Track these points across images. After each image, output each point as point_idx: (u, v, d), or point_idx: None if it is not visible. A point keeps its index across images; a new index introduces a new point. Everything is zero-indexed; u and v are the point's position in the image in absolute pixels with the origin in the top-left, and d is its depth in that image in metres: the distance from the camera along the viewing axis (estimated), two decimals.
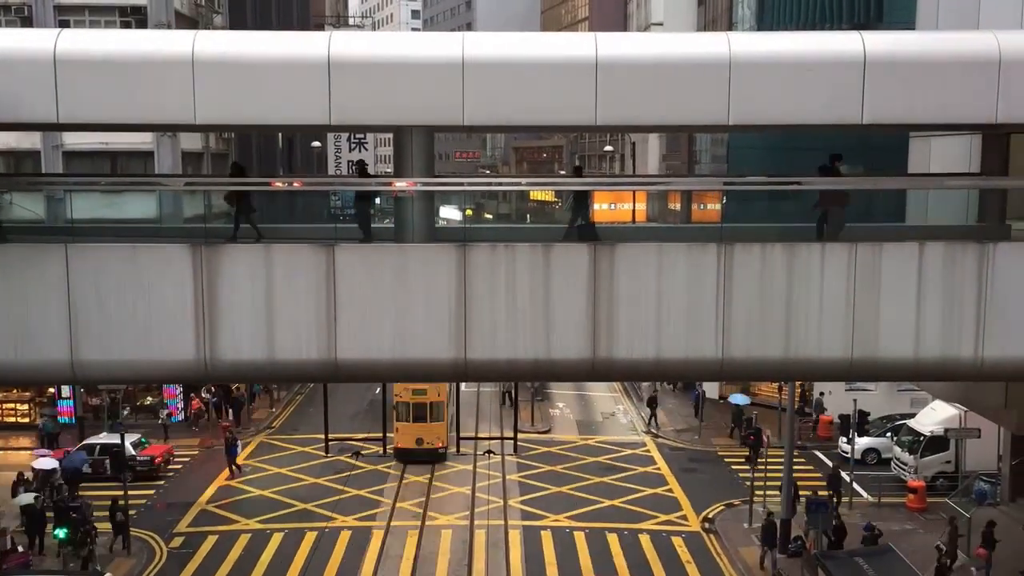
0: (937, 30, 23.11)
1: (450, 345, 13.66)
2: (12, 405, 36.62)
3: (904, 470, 30.45)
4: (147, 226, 15.96)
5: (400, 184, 14.12)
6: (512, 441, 33.76)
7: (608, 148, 67.36)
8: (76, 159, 33.58)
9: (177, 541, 26.61)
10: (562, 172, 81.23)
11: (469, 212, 19.06)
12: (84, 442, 31.82)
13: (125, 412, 33.55)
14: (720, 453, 34.78)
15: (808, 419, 36.71)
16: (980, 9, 22.18)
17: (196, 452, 34.62)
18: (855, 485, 29.44)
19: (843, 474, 29.24)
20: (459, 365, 13.83)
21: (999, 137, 15.11)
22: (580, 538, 26.94)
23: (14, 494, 26.74)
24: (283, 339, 13.57)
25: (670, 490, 30.98)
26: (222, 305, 13.48)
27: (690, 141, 51.31)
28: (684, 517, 28.68)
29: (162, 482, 31.17)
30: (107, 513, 25.51)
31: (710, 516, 28.71)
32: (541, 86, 13.40)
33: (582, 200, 15.15)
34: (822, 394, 36.90)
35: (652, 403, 38.51)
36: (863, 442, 31.60)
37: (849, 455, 29.94)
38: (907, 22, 29.55)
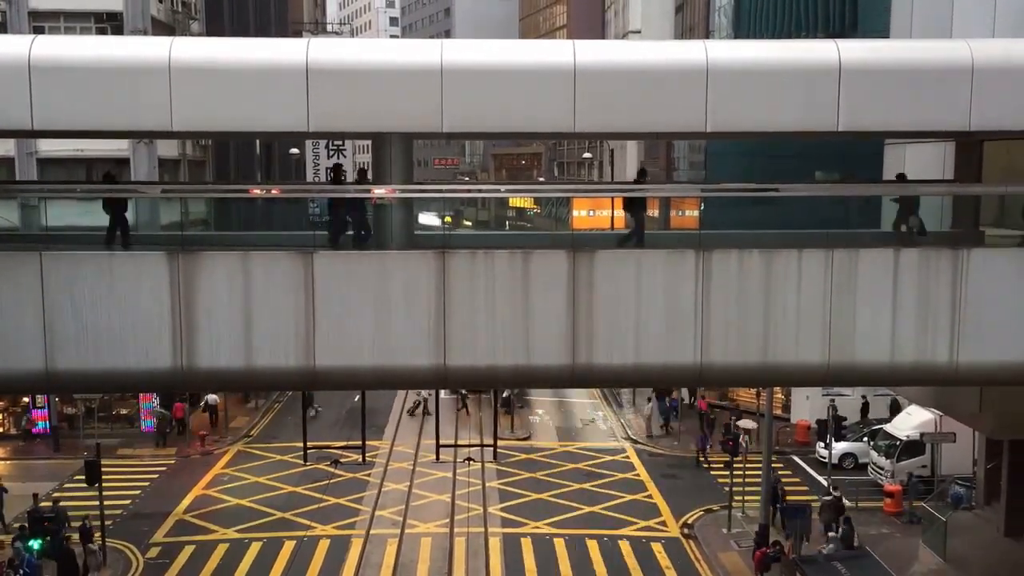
0: (911, 38, 23.37)
1: (430, 352, 13.65)
2: None
3: (881, 474, 30.68)
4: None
5: (379, 191, 14.10)
6: (492, 448, 33.68)
7: (587, 155, 67.58)
8: (51, 166, 33.27)
9: (153, 551, 26.35)
10: (540, 179, 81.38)
11: (448, 219, 19.05)
12: None
13: None
14: (699, 459, 34.88)
15: (786, 424, 36.91)
16: (953, 18, 22.45)
17: (173, 461, 34.34)
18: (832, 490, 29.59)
19: (821, 479, 29.45)
20: (439, 372, 13.81)
21: (972, 144, 15.31)
22: (560, 545, 26.94)
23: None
24: (261, 347, 13.51)
25: (649, 496, 31.03)
26: (199, 313, 13.40)
27: (668, 148, 51.57)
28: (663, 523, 28.74)
29: (138, 491, 30.89)
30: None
31: (689, 522, 28.79)
32: (520, 93, 13.45)
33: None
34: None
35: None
36: (840, 447, 31.83)
37: (827, 460, 30.15)
38: (881, 30, 29.85)
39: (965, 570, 24.06)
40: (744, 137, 15.93)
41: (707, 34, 48.54)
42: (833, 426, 29.58)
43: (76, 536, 24.89)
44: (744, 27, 44.01)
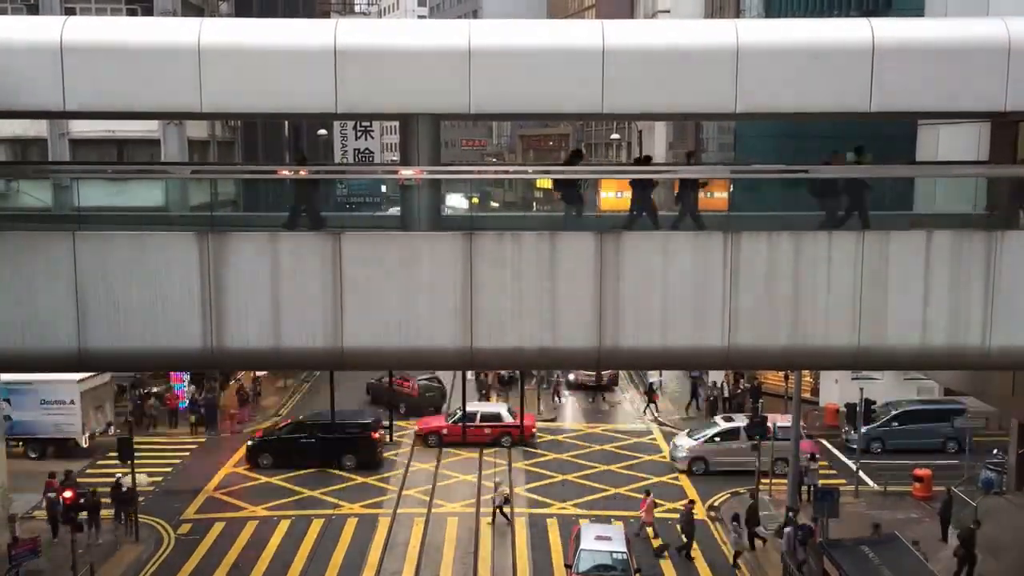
0: (946, 17, 22.97)
1: (457, 333, 13.69)
2: None
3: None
4: (154, 214, 15.98)
5: (407, 172, 14.11)
6: (518, 429, 33.84)
7: (615, 136, 67.24)
8: (82, 147, 33.60)
9: (185, 527, 26.75)
10: None
11: (475, 200, 19.03)
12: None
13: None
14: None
15: (815, 407, 36.70)
16: None
17: (204, 439, 34.76)
18: (861, 474, 29.43)
19: (849, 463, 29.26)
20: (465, 353, 13.85)
21: (1008, 125, 15.04)
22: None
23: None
24: (289, 327, 13.61)
25: (676, 478, 31.01)
26: (228, 293, 13.52)
27: (697, 129, 51.16)
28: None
29: (169, 469, 31.33)
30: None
31: (716, 504, 28.74)
32: (548, 74, 13.38)
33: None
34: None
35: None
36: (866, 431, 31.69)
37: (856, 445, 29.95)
38: (916, 9, 29.37)
39: (995, 555, 23.84)
40: (775, 118, 15.80)
41: (737, 13, 47.99)
42: (862, 410, 29.31)
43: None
44: (775, 6, 43.47)
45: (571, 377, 41.57)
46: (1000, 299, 13.69)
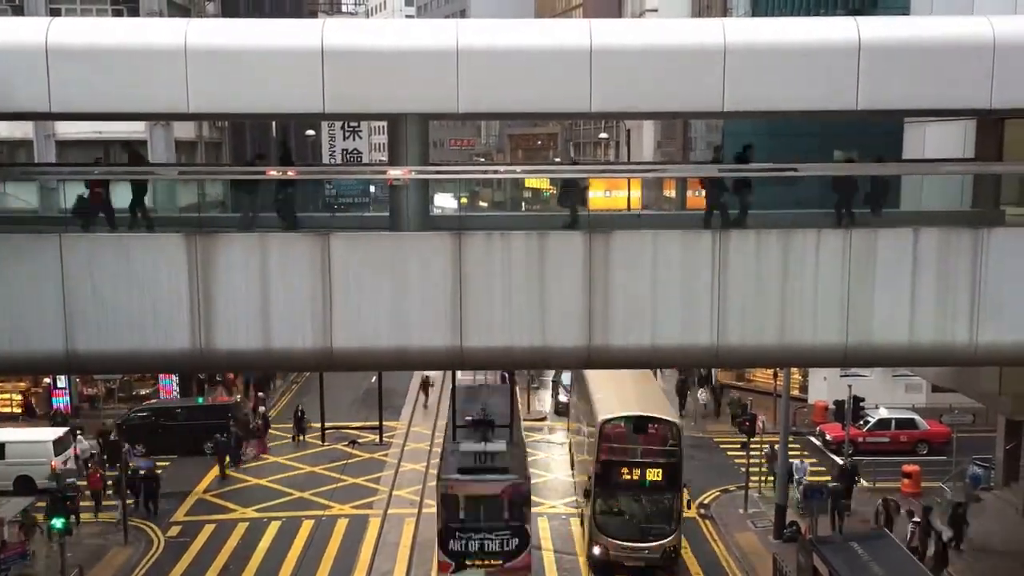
0: (931, 15, 23.07)
1: (446, 333, 13.69)
2: (7, 395, 36.53)
3: None
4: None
5: (395, 172, 14.10)
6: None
7: (603, 135, 67.29)
8: (69, 148, 33.43)
9: (174, 530, 26.65)
10: (557, 159, 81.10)
11: (464, 200, 19.03)
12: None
13: None
14: (715, 440, 34.88)
15: (803, 404, 36.85)
16: None
17: None
18: None
19: (838, 460, 29.35)
20: (455, 353, 13.85)
21: (994, 122, 15.14)
22: (576, 524, 27.02)
23: None
24: (278, 328, 13.59)
25: None
26: (217, 294, 13.48)
27: (685, 128, 51.24)
28: None
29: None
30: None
31: (706, 502, 28.80)
32: (536, 74, 13.40)
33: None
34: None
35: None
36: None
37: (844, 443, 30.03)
38: (902, 8, 29.52)
39: (984, 551, 24.00)
40: (762, 117, 15.81)
41: (724, 12, 48.08)
42: (851, 407, 29.41)
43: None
44: (762, 5, 43.56)
45: (562, 399, 38.58)
46: (986, 295, 13.78)
